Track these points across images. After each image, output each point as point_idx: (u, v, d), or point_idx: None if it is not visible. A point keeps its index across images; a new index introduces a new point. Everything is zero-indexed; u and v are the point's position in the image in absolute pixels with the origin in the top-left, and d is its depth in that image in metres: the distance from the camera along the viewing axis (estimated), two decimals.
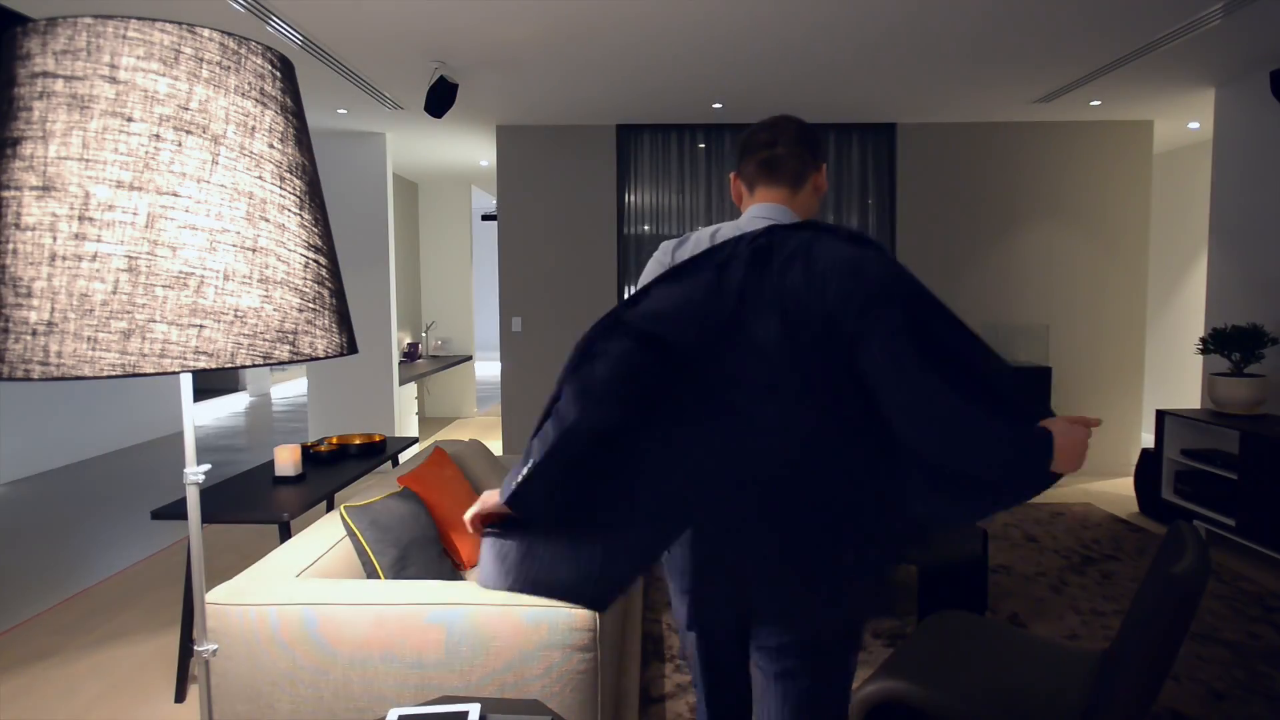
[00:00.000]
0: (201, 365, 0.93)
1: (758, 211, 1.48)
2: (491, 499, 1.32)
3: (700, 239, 1.50)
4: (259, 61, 0.99)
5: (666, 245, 1.54)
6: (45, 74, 0.88)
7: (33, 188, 0.88)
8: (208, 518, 2.49)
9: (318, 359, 1.05)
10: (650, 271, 1.52)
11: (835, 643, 1.39)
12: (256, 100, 0.98)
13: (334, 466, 3.29)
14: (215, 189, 0.94)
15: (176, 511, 2.53)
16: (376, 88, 4.45)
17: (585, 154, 5.48)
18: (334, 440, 3.65)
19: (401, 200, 7.53)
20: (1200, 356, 4.87)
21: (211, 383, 10.06)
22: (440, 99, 4.08)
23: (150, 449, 6.88)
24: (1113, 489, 5.18)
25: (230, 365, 0.95)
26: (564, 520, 1.30)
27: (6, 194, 0.89)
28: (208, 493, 2.87)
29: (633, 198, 5.59)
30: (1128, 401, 5.57)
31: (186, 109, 0.92)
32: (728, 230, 1.49)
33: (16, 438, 5.71)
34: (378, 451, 3.56)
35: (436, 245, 8.27)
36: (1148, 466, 4.52)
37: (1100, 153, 5.45)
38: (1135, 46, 3.77)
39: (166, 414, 7.41)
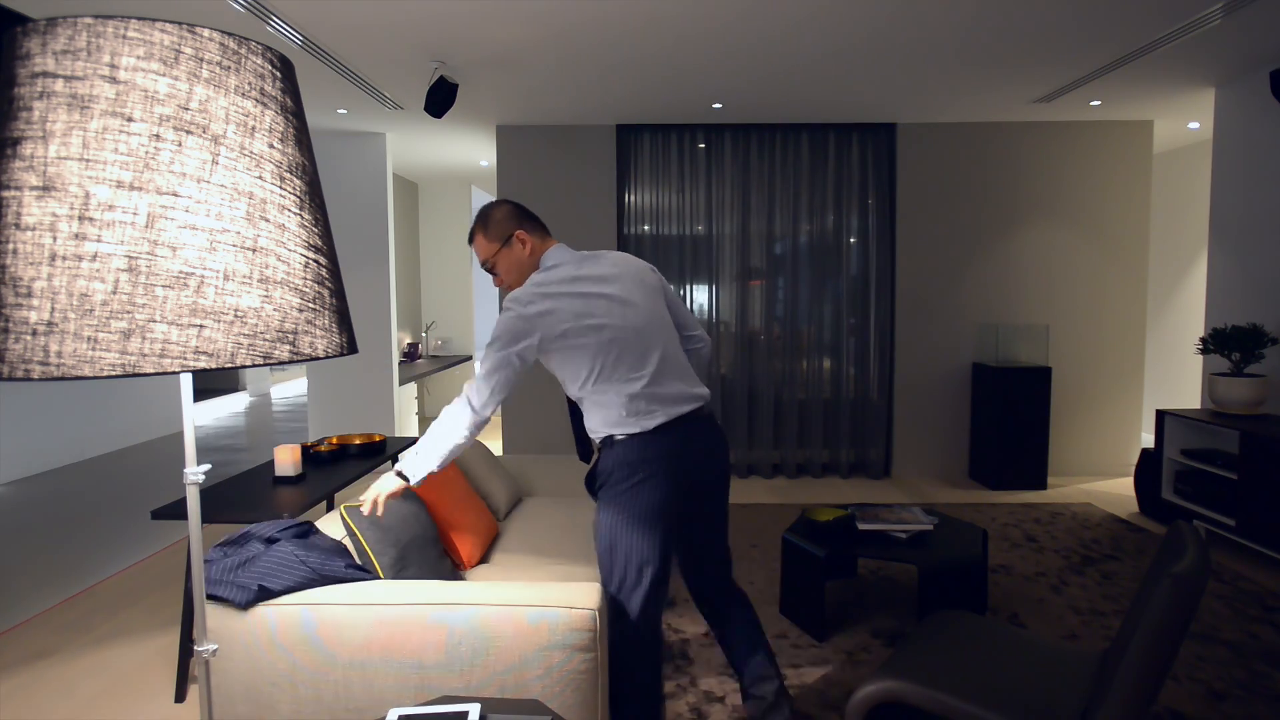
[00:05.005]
0: (201, 365, 0.93)
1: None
2: None
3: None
4: (259, 61, 0.99)
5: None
6: (45, 74, 0.88)
7: (33, 188, 0.88)
8: (208, 518, 2.49)
9: (318, 359, 1.05)
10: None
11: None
12: (256, 100, 0.98)
13: (334, 466, 3.29)
14: (215, 189, 0.94)
15: (176, 511, 2.53)
16: (376, 88, 4.45)
17: (585, 154, 5.48)
18: (334, 440, 3.65)
19: (401, 200, 7.53)
20: (1200, 356, 4.87)
21: (211, 383, 10.06)
22: (440, 99, 4.08)
23: (150, 449, 6.88)
24: (1113, 489, 5.18)
25: (230, 365, 0.95)
26: None
27: (6, 194, 0.89)
28: (208, 493, 2.86)
29: (633, 198, 5.59)
30: (1128, 401, 5.57)
31: (186, 109, 0.92)
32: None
33: (16, 438, 5.71)
34: (378, 451, 3.56)
35: (436, 245, 8.27)
36: (1148, 466, 4.52)
37: (1100, 153, 5.45)
38: (1135, 46, 3.77)
39: (166, 414, 7.41)
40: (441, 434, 1.95)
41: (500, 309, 1.96)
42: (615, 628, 2.00)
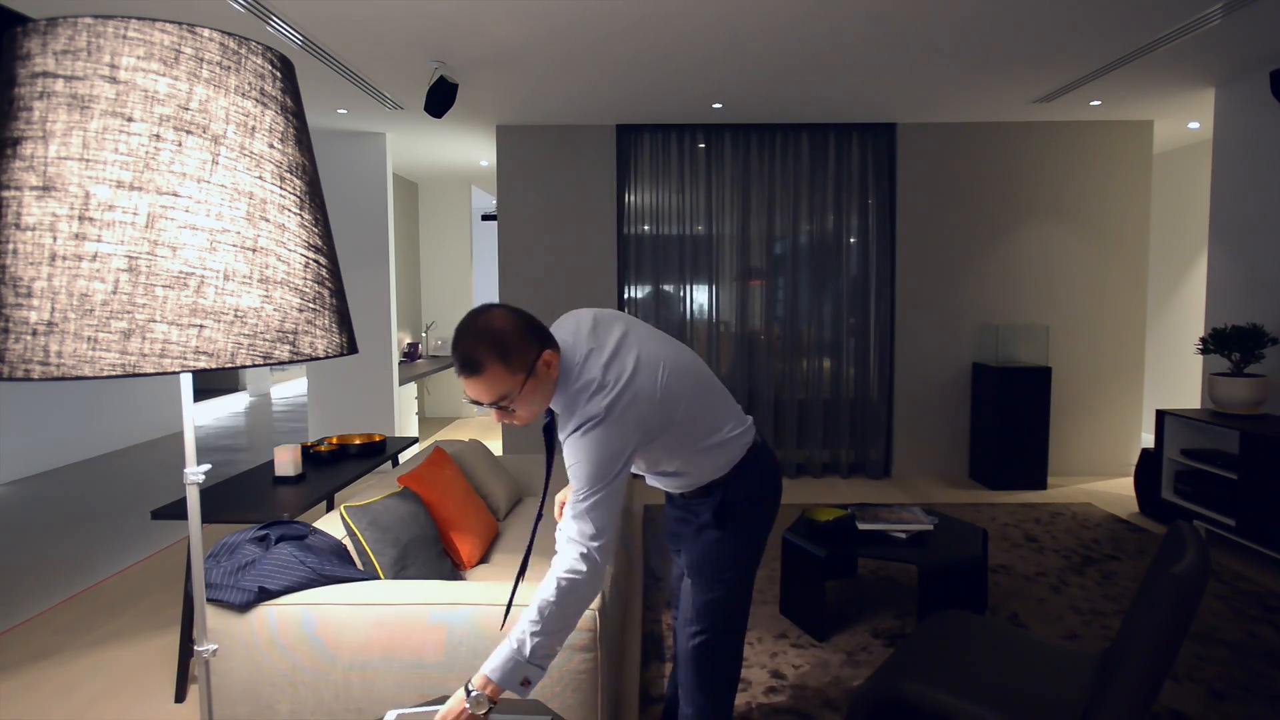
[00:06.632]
0: (201, 365, 0.93)
1: None
2: None
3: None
4: (259, 61, 0.99)
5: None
6: (45, 74, 0.88)
7: (33, 188, 0.88)
8: (208, 518, 2.49)
9: (318, 359, 1.05)
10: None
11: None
12: (256, 100, 0.98)
13: (334, 466, 3.29)
14: (215, 189, 0.94)
15: (176, 511, 2.53)
16: (376, 88, 4.45)
17: (585, 154, 5.48)
18: (334, 440, 3.66)
19: (401, 200, 7.53)
20: (1200, 356, 4.87)
21: (211, 383, 10.06)
22: (440, 99, 4.08)
23: (150, 449, 6.88)
24: (1113, 489, 5.18)
25: (230, 365, 0.95)
26: None
27: (6, 194, 0.89)
28: (208, 493, 2.87)
29: (633, 198, 5.58)
30: (1128, 401, 5.57)
31: (187, 109, 0.92)
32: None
33: (16, 438, 5.71)
34: (378, 451, 3.56)
35: (436, 245, 8.27)
36: (1148, 466, 4.52)
37: (1100, 153, 5.44)
38: (1135, 46, 3.76)
39: (166, 414, 7.41)
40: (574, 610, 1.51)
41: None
42: (733, 630, 1.91)
